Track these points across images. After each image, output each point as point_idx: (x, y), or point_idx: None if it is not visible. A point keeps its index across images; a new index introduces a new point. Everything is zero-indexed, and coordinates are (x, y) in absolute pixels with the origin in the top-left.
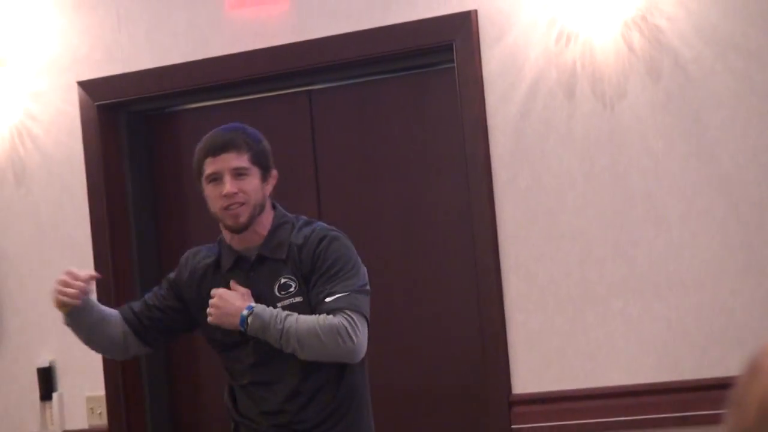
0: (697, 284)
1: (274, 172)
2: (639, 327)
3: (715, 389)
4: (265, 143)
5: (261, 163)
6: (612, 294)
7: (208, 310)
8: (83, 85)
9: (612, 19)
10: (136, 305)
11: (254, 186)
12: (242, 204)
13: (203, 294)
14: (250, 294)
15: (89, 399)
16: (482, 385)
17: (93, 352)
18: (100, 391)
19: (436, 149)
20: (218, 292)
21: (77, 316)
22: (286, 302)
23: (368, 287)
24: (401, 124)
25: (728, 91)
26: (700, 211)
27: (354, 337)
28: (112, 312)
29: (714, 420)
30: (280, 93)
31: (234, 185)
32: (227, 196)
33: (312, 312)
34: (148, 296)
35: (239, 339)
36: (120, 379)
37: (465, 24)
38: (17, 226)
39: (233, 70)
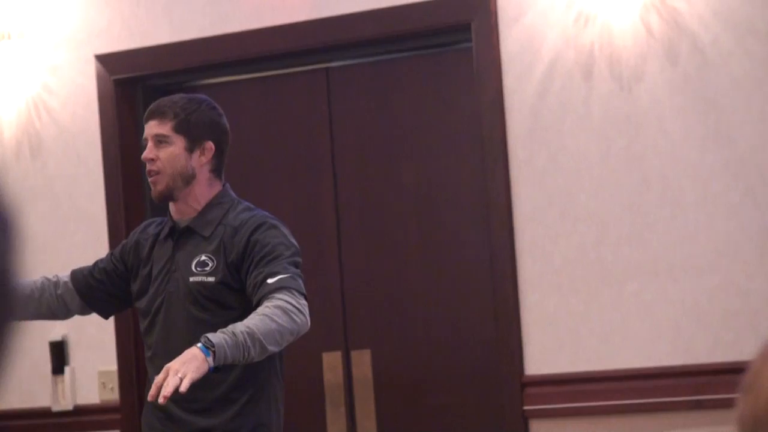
0: (711, 267)
1: (209, 144)
2: (653, 310)
3: (729, 373)
4: (201, 114)
5: (187, 132)
6: (627, 276)
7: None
8: (101, 58)
9: (631, 1)
10: (88, 267)
11: (171, 154)
12: (158, 172)
13: (140, 259)
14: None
15: (101, 374)
16: (495, 366)
17: (106, 327)
18: (113, 365)
19: (453, 128)
20: (168, 366)
21: None
22: (198, 279)
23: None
24: (418, 103)
25: (746, 74)
26: (716, 194)
27: (303, 309)
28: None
29: (728, 404)
30: (297, 70)
31: (152, 152)
32: (144, 161)
33: (234, 293)
34: (101, 259)
35: (155, 309)
36: (132, 354)
37: (483, 4)
38: (33, 199)
39: (251, 46)
